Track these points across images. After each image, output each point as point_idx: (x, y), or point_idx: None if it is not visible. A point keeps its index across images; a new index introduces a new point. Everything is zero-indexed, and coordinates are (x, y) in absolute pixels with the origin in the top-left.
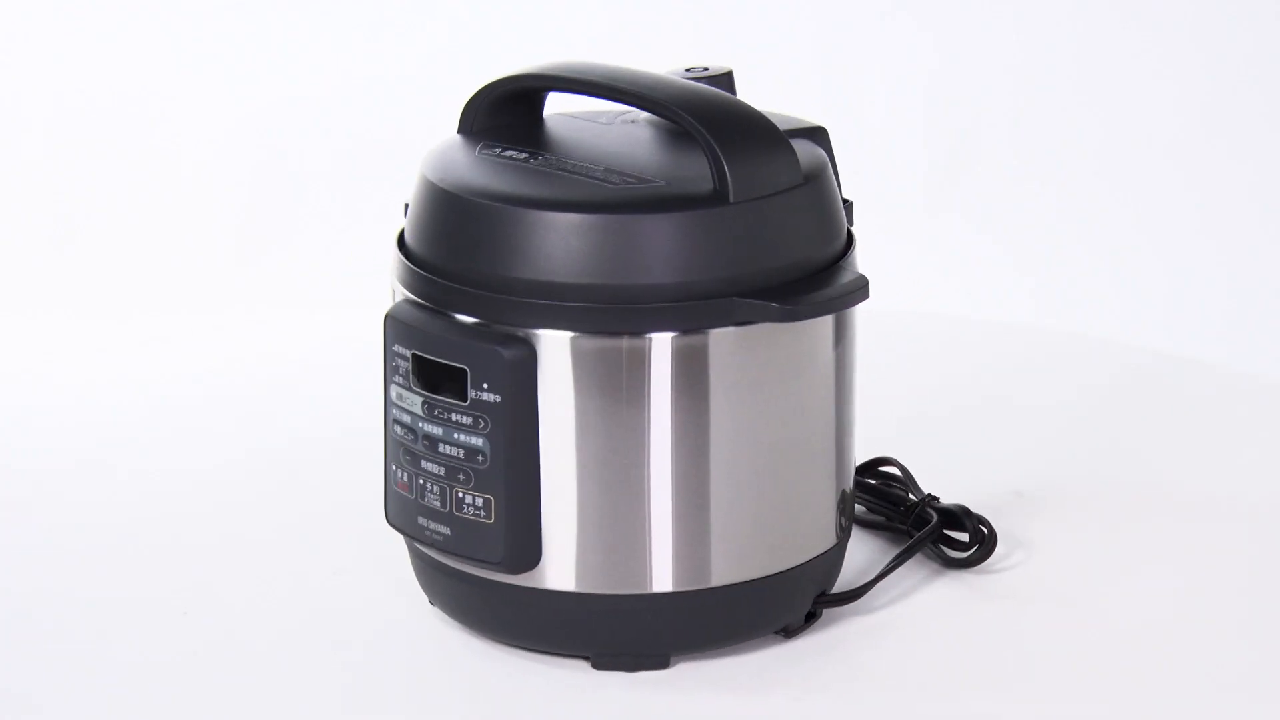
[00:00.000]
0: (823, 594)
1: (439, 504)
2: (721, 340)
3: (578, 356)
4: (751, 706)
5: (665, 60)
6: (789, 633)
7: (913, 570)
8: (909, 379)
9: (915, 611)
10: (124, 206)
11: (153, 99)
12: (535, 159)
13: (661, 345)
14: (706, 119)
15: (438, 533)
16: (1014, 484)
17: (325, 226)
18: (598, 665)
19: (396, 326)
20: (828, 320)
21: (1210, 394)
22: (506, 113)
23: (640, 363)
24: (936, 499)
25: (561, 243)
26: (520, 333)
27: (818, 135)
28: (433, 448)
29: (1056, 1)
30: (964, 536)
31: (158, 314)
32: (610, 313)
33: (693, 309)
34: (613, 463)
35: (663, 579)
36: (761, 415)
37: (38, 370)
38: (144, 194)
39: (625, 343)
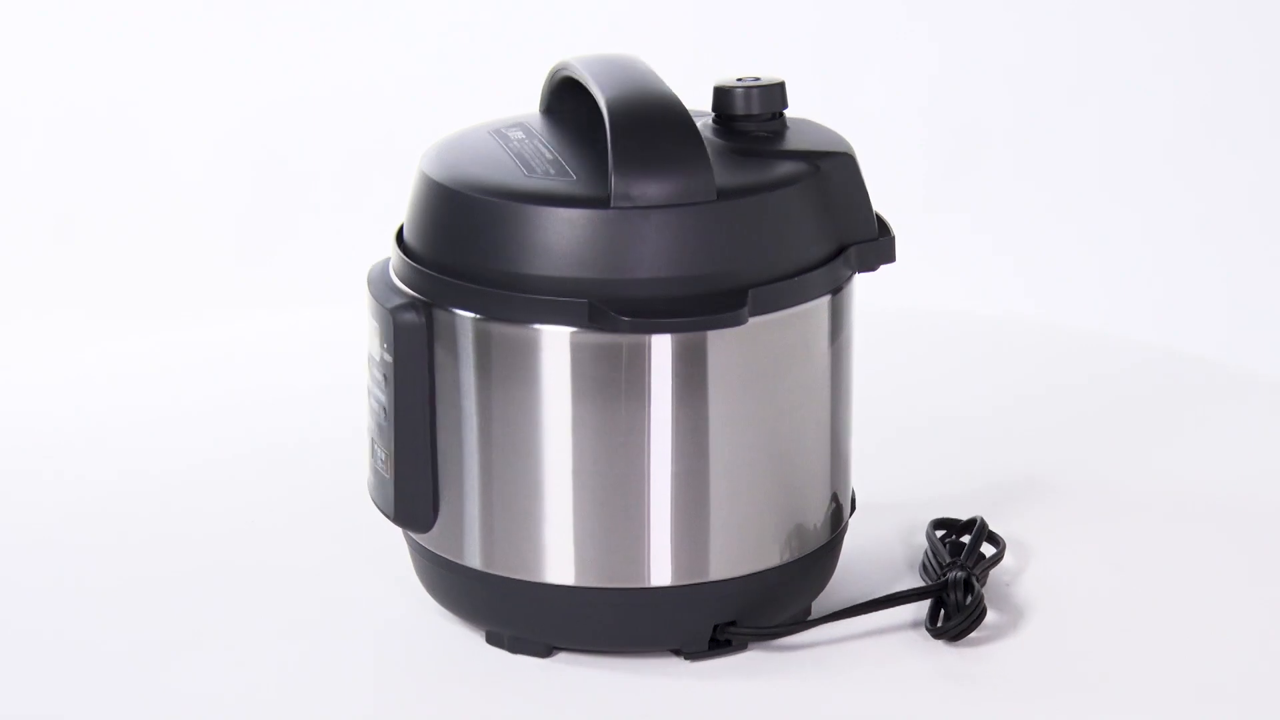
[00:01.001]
0: (732, 623)
1: (369, 453)
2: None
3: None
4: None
5: (669, 62)
6: (686, 654)
7: (891, 623)
8: (911, 375)
9: (835, 654)
10: (125, 206)
11: (153, 99)
12: (523, 143)
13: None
14: (620, 123)
15: (369, 479)
16: (1011, 483)
17: (327, 225)
18: (490, 640)
19: (368, 282)
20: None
21: (1212, 391)
22: (572, 96)
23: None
24: (968, 566)
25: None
26: (428, 301)
27: (831, 160)
28: (370, 399)
29: (1057, 1)
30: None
31: (158, 314)
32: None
33: (549, 304)
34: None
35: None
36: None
37: (39, 370)
38: (144, 194)
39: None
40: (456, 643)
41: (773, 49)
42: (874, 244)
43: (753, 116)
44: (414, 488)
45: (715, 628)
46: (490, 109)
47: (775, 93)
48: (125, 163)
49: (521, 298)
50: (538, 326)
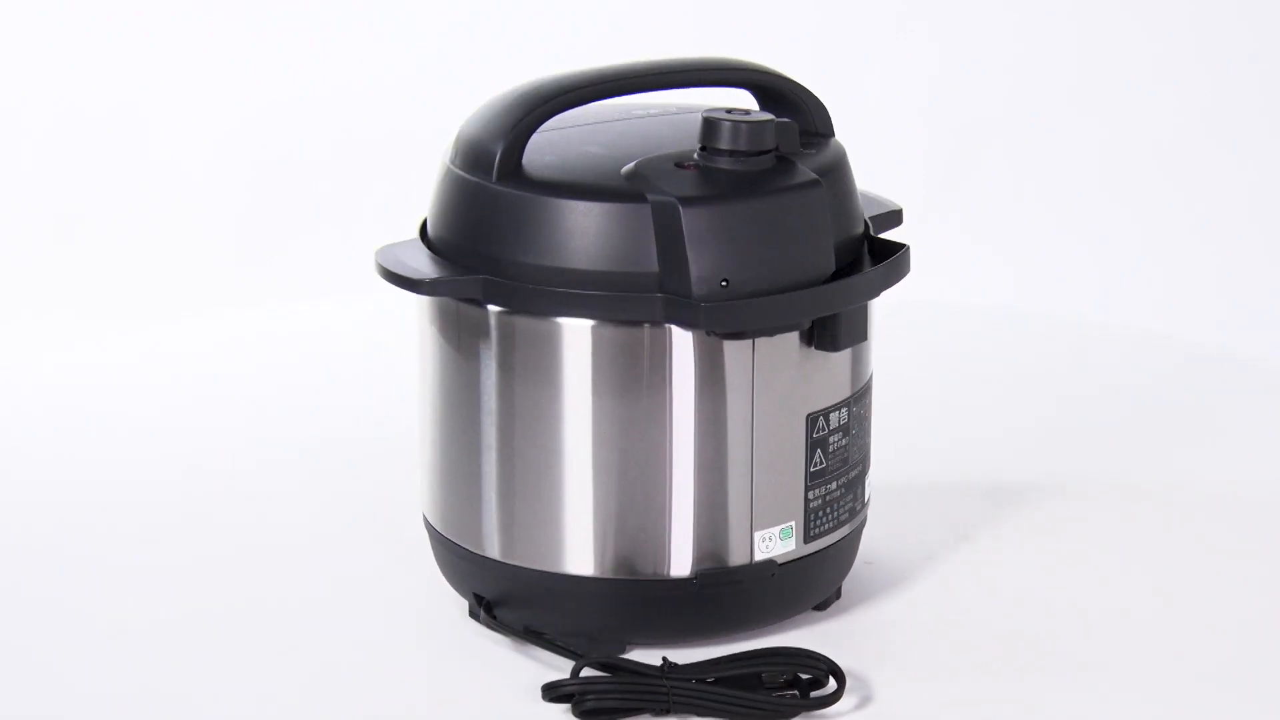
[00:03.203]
0: (489, 603)
1: None
2: None
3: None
4: None
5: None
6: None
7: None
8: (915, 371)
9: None
10: (125, 206)
11: (154, 98)
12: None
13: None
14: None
15: None
16: (1016, 478)
17: (328, 224)
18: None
19: None
20: None
21: (1216, 385)
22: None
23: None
24: (667, 679)
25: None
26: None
27: (661, 198)
28: None
29: (1058, 2)
30: None
31: (159, 314)
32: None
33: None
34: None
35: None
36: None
37: (40, 370)
38: (145, 193)
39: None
40: (476, 635)
41: (773, 48)
42: (678, 300)
43: (738, 152)
44: None
45: (482, 600)
46: None
47: (780, 129)
48: (125, 162)
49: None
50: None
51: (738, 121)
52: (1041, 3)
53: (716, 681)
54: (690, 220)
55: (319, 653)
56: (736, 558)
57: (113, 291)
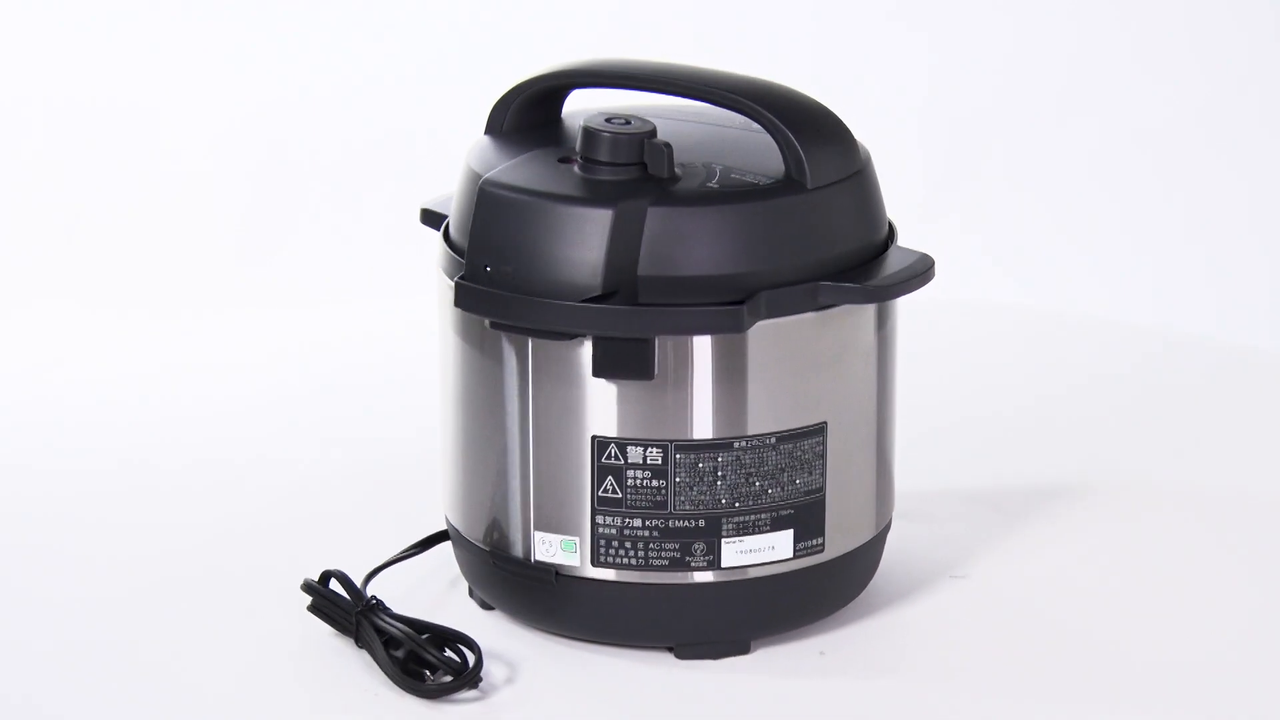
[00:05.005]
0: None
1: None
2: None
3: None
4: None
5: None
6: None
7: None
8: (919, 371)
9: None
10: (128, 206)
11: (155, 97)
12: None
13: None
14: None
15: None
16: (1022, 475)
17: (332, 223)
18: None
19: None
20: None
21: (1218, 382)
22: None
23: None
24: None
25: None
26: None
27: (483, 185)
28: None
29: (1058, 2)
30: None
31: (162, 314)
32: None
33: None
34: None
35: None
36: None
37: (41, 369)
38: (146, 193)
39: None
40: (499, 635)
41: (772, 47)
42: (465, 285)
43: (602, 161)
44: None
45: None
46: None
47: (635, 144)
48: (125, 161)
49: None
50: None
51: (616, 132)
52: (1042, 2)
53: (382, 633)
54: (482, 203)
55: (331, 654)
56: (519, 549)
57: (112, 291)
